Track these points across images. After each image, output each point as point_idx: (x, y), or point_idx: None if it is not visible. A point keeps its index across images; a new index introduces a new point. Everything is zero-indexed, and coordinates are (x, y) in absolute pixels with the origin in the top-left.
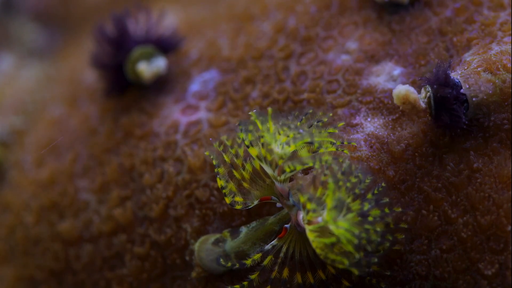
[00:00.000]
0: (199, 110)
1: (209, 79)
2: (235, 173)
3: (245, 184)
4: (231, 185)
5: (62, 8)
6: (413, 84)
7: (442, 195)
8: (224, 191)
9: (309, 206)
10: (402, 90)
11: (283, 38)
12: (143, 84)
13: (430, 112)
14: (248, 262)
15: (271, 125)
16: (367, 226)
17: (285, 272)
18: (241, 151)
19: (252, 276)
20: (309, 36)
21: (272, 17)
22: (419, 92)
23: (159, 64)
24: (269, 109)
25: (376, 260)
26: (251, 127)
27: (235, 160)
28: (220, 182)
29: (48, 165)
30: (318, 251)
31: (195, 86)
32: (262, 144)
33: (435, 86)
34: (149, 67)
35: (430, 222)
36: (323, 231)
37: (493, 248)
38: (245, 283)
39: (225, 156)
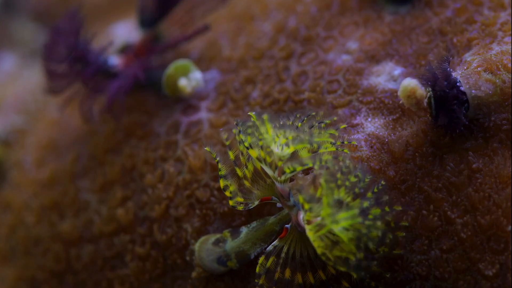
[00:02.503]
0: (200, 110)
1: (210, 79)
2: (238, 170)
3: (246, 183)
4: (233, 186)
5: (62, 8)
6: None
7: (443, 195)
8: (227, 193)
9: (307, 206)
10: (412, 83)
11: (284, 38)
12: (180, 98)
13: (431, 112)
14: (258, 269)
15: (268, 128)
16: (367, 222)
17: (287, 273)
18: (244, 150)
19: (260, 281)
20: (310, 36)
21: (272, 17)
22: None
23: (197, 77)
24: (265, 116)
25: (375, 263)
26: (249, 130)
27: (240, 157)
28: (223, 183)
29: (49, 165)
30: (319, 250)
31: None
32: (261, 146)
33: (436, 86)
34: (190, 82)
35: (430, 222)
36: (321, 227)
37: (494, 248)
38: None
39: (230, 153)
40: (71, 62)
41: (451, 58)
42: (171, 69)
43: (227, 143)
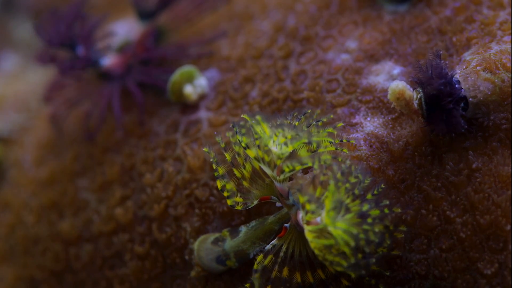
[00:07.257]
0: (199, 109)
1: (209, 78)
2: (236, 171)
3: (245, 183)
4: (231, 185)
5: (62, 6)
6: (412, 84)
7: (442, 194)
8: (225, 193)
9: (308, 207)
10: (399, 85)
11: (283, 37)
12: (185, 104)
13: (422, 114)
14: (255, 267)
15: (265, 127)
16: (365, 227)
17: (285, 272)
18: (241, 150)
19: (255, 276)
20: (309, 35)
21: (271, 16)
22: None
23: (202, 84)
24: (258, 117)
25: (373, 260)
26: (243, 130)
27: (237, 158)
28: (221, 183)
29: (48, 164)
30: (316, 251)
31: None
32: (258, 146)
33: (429, 84)
34: (195, 90)
35: (429, 222)
36: (321, 232)
37: (493, 247)
38: (247, 285)
39: (226, 154)
40: (57, 47)
41: (440, 52)
42: (176, 75)
43: (222, 145)
